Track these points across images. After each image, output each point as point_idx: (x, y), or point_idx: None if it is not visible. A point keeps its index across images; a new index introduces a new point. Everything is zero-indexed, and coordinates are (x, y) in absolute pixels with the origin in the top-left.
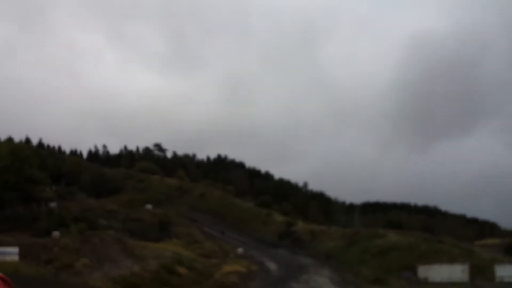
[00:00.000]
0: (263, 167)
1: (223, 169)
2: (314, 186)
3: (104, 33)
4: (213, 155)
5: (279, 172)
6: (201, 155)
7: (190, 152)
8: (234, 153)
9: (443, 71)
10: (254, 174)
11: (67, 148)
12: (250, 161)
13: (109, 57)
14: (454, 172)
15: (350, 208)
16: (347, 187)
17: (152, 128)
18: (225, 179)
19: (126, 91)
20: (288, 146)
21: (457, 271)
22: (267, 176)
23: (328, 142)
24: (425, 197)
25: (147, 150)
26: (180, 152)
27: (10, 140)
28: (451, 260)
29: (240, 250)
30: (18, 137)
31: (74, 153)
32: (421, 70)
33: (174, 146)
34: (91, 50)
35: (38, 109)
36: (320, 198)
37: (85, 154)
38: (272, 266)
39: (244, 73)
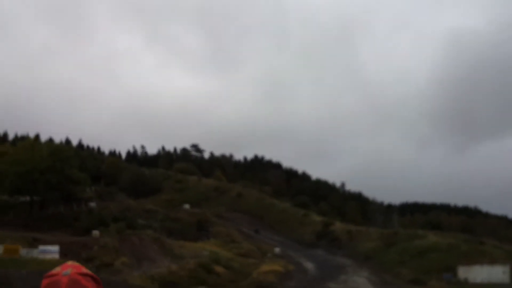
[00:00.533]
0: (300, 167)
1: (260, 170)
2: (352, 185)
3: (142, 34)
4: (250, 156)
5: (316, 171)
6: (238, 156)
7: (227, 152)
8: (270, 153)
9: (483, 68)
10: (291, 175)
11: (106, 149)
12: (287, 161)
13: (147, 58)
14: (495, 172)
15: (389, 209)
16: (385, 187)
17: (189, 128)
18: (262, 180)
19: (163, 92)
20: (326, 144)
21: (498, 272)
22: (304, 177)
23: (366, 140)
24: (465, 197)
25: (184, 150)
26: (217, 152)
27: (51, 141)
28: (493, 261)
29: (277, 250)
30: (58, 138)
31: (113, 153)
32: (460, 67)
33: (211, 147)
34: (130, 51)
35: (77, 110)
36: (358, 199)
37: (123, 155)
38: (309, 266)
39: (281, 72)
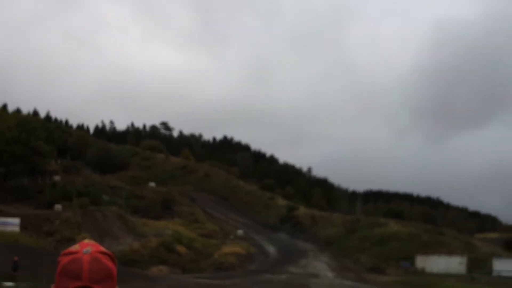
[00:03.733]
0: (275, 151)
1: (229, 151)
2: (320, 171)
3: (131, 6)
4: (224, 136)
5: (290, 156)
6: (208, 136)
7: (200, 131)
8: (246, 135)
9: (468, 59)
10: (259, 157)
11: (74, 123)
12: (262, 144)
13: (133, 31)
14: (464, 164)
15: (353, 196)
16: (352, 174)
17: (168, 104)
18: (230, 161)
19: (146, 67)
20: (303, 129)
21: (455, 263)
22: (272, 160)
23: (345, 128)
24: (429, 188)
25: (153, 128)
26: (188, 131)
27: (18, 111)
28: (451, 252)
29: (240, 232)
30: (26, 109)
31: (81, 127)
32: (445, 57)
33: (187, 125)
34: (116, 23)
35: (50, 81)
36: (323, 184)
37: (92, 130)
38: (271, 249)
39: (267, 54)
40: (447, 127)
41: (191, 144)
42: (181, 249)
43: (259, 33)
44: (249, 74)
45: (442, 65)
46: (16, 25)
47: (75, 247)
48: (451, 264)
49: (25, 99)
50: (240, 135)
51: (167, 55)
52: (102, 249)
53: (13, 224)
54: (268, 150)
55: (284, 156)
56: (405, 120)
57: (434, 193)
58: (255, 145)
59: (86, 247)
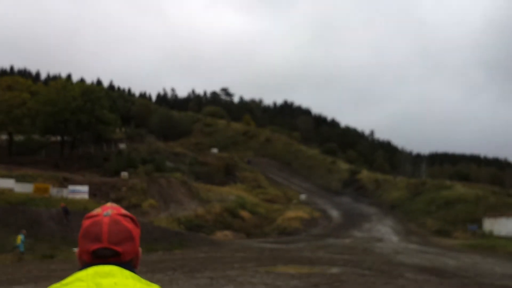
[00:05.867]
0: (336, 114)
1: (289, 115)
2: (383, 134)
3: None
4: (284, 100)
5: (352, 120)
6: (277, 100)
7: (260, 96)
8: (307, 99)
9: None
10: (320, 121)
11: (136, 91)
12: (323, 108)
13: None
14: None
15: (417, 158)
16: (417, 136)
17: (228, 70)
18: (291, 125)
19: (207, 32)
20: (367, 91)
21: None
22: (333, 123)
23: (411, 87)
24: (497, 149)
25: (214, 94)
26: (248, 96)
27: (82, 81)
28: None
29: (303, 196)
30: (89, 78)
31: (143, 96)
32: None
33: (247, 90)
34: None
35: (113, 50)
36: (386, 147)
37: (154, 97)
38: (334, 213)
39: (332, 13)
40: None
41: (251, 110)
42: (244, 214)
43: None
44: (313, 35)
45: None
46: None
47: (96, 210)
48: None
49: (88, 69)
50: (301, 99)
51: (229, 19)
52: (123, 211)
53: (82, 191)
54: (329, 114)
55: (345, 119)
56: (478, 78)
57: (502, 154)
58: (316, 109)
59: (107, 210)
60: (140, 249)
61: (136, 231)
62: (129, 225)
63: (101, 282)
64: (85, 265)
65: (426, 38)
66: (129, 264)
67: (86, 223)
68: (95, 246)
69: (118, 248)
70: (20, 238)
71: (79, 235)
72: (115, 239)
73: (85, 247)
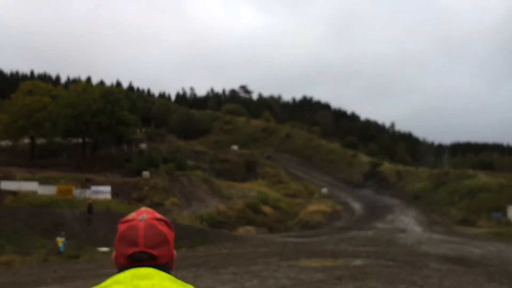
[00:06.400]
0: (356, 108)
1: (308, 111)
2: (404, 126)
3: None
4: (303, 96)
5: (372, 113)
6: (296, 95)
7: (279, 92)
8: (326, 94)
9: None
10: (340, 115)
11: (156, 91)
12: (342, 102)
13: None
14: None
15: (439, 149)
16: (438, 127)
17: (246, 67)
18: (311, 120)
19: (226, 30)
20: (387, 84)
21: None
22: (353, 117)
23: (432, 79)
24: None
25: (233, 92)
26: (267, 93)
27: (102, 83)
28: None
29: (324, 190)
30: (109, 80)
31: (163, 95)
32: None
33: (265, 87)
34: None
35: (130, 51)
36: (408, 139)
37: (173, 97)
38: (356, 206)
39: (352, 8)
40: None
41: (270, 106)
42: (266, 209)
43: None
44: (333, 31)
45: None
46: None
47: (132, 215)
48: None
49: (108, 71)
50: (319, 94)
51: (247, 16)
52: (158, 215)
53: (105, 192)
54: (349, 108)
55: (365, 113)
56: (500, 67)
57: None
58: (335, 104)
59: (142, 215)
60: (175, 252)
61: (170, 235)
62: (164, 228)
63: (139, 284)
64: (122, 268)
65: (448, 29)
66: (165, 267)
67: (122, 227)
68: (131, 250)
69: (154, 252)
70: (61, 240)
71: (116, 239)
72: (151, 243)
73: (121, 251)
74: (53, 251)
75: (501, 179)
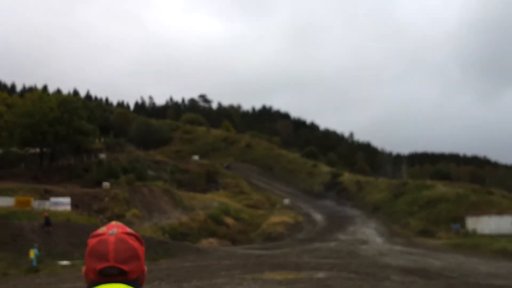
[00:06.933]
0: (315, 118)
1: (268, 120)
2: (363, 136)
3: None
4: (263, 105)
5: (331, 123)
6: (256, 105)
7: (239, 102)
8: (286, 103)
9: None
10: (300, 125)
11: (114, 100)
12: (302, 112)
13: (173, 2)
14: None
15: (397, 159)
16: (396, 137)
17: (205, 77)
18: (271, 130)
19: (184, 39)
20: (346, 93)
21: (507, 223)
22: (313, 127)
23: (389, 88)
24: (475, 147)
25: (192, 101)
26: (226, 102)
27: (58, 92)
28: (501, 212)
29: (286, 201)
30: (66, 89)
31: (121, 104)
32: (495, 9)
33: (225, 96)
34: None
35: (89, 59)
36: (366, 149)
37: (132, 106)
38: (318, 217)
39: (310, 16)
40: (500, 84)
41: (230, 115)
42: (229, 221)
43: None
44: (291, 39)
45: (492, 18)
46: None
47: (102, 229)
48: (502, 224)
49: (64, 80)
50: (279, 104)
51: (205, 25)
52: (128, 230)
53: (64, 203)
54: (308, 117)
55: (324, 122)
56: (455, 78)
57: (480, 152)
58: (295, 113)
59: (112, 229)
60: (145, 268)
61: (141, 250)
62: (135, 243)
63: None
64: (92, 283)
65: (403, 38)
66: (135, 282)
67: (92, 241)
68: (102, 265)
69: (125, 267)
70: (33, 252)
71: (86, 254)
72: (121, 257)
73: (91, 265)
74: (12, 265)
75: (458, 189)
